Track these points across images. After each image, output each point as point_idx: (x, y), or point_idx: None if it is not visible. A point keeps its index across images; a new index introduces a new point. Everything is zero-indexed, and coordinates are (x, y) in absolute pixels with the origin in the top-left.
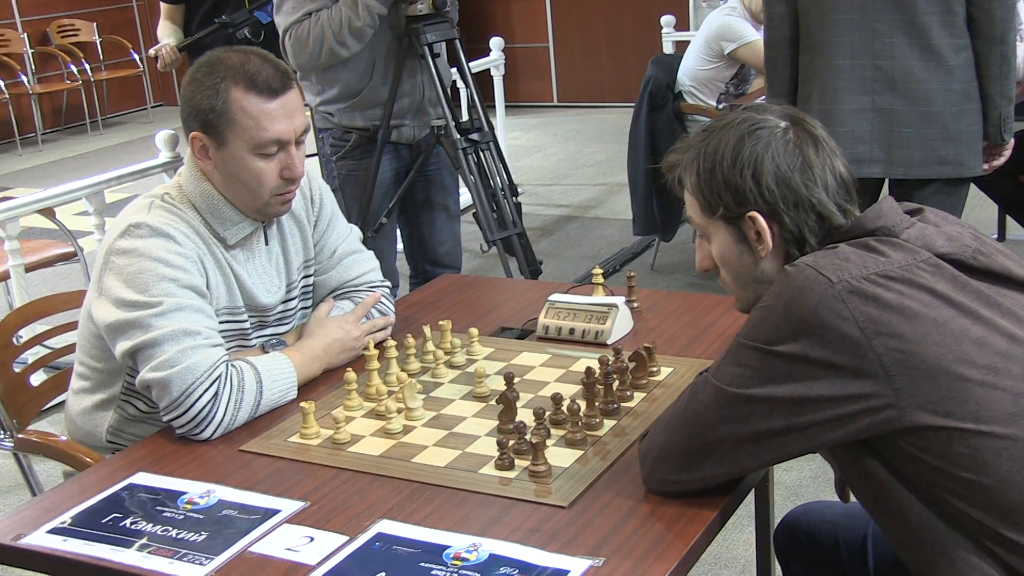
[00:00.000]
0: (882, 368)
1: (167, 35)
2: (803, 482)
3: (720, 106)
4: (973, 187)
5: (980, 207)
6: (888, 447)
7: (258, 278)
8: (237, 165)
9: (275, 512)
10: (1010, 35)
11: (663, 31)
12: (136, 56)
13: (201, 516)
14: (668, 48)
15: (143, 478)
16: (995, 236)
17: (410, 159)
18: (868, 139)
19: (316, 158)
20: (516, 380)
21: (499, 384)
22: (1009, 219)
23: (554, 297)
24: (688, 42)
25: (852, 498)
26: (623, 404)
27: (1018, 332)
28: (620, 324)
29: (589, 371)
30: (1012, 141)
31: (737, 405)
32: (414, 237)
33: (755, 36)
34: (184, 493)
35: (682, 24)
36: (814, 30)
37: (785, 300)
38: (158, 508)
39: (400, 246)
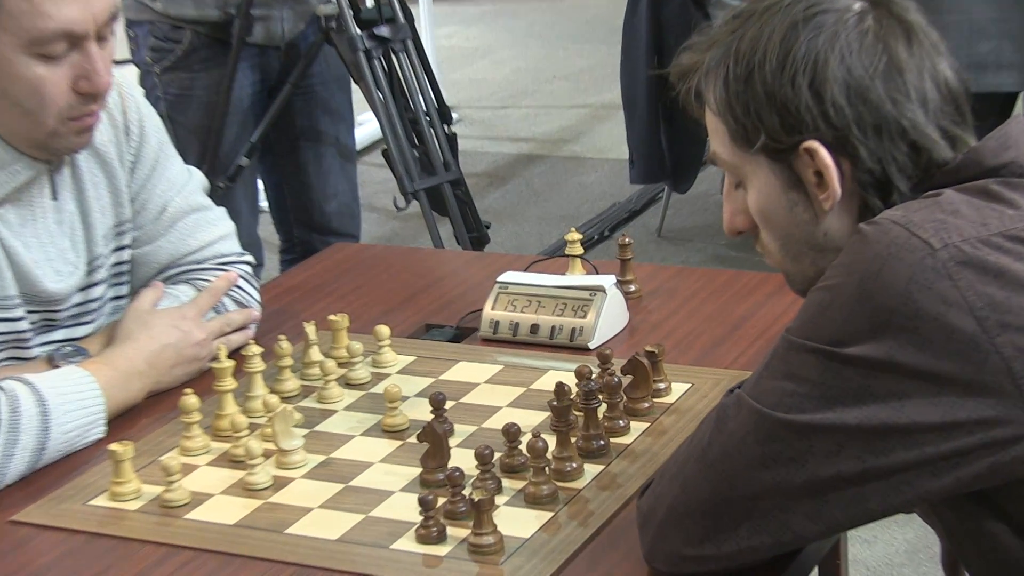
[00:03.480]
0: (1010, 379)
1: None
2: (893, 559)
3: None
4: None
5: None
6: (1020, 501)
7: (42, 252)
8: (5, 73)
9: None
10: None
11: None
12: None
13: None
14: None
15: None
16: None
17: (280, 69)
18: (995, 33)
19: (131, 66)
20: (449, 405)
21: (423, 412)
22: None
23: (508, 278)
24: None
25: None
26: (613, 440)
27: None
28: (609, 318)
29: (561, 390)
30: None
31: (787, 439)
32: (288, 189)
33: None
34: None
35: None
36: None
37: (860, 277)
38: None
39: (264, 203)
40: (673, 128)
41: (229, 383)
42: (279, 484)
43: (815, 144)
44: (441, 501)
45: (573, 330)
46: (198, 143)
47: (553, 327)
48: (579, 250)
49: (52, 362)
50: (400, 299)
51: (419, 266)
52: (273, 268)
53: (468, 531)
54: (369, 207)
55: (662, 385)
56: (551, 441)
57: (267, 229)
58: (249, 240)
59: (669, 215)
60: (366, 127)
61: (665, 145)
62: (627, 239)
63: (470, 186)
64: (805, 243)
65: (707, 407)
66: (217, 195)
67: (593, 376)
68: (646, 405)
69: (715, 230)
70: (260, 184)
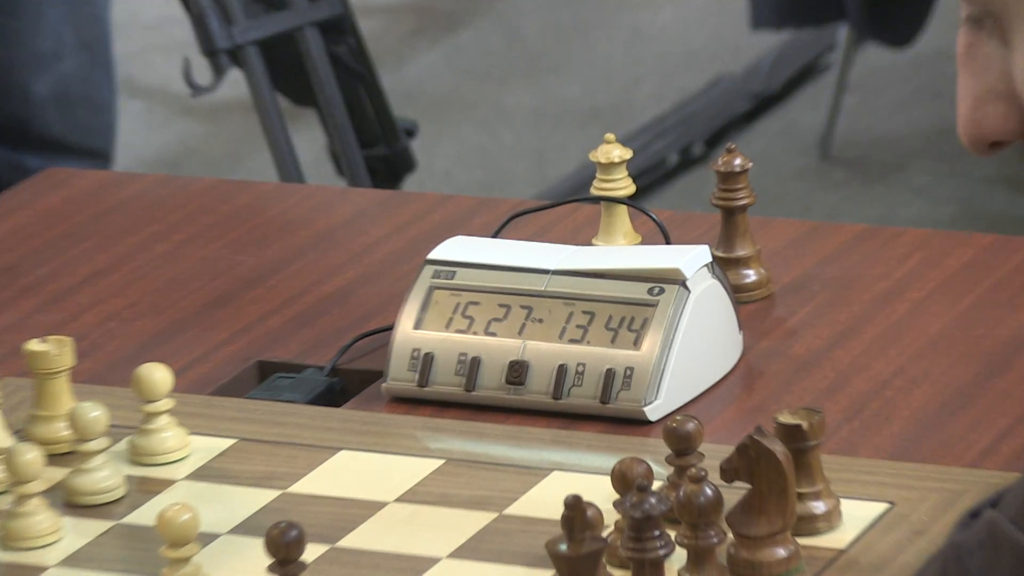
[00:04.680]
0: None
1: None
2: None
3: None
4: None
5: None
6: None
7: None
8: None
9: None
10: None
11: None
12: None
13: None
14: None
15: None
16: None
17: None
18: None
19: None
20: (315, 554)
21: (250, 570)
22: None
23: (454, 251)
24: None
25: None
26: None
27: None
28: (694, 347)
29: (579, 518)
30: None
31: None
32: None
33: None
34: None
35: None
36: None
37: None
38: None
39: None
40: None
41: None
42: None
43: None
44: None
45: (609, 375)
46: None
47: (562, 369)
48: (627, 186)
49: None
50: (202, 301)
51: (247, 222)
52: None
53: None
54: (134, 86)
55: (820, 506)
56: None
57: None
58: None
59: (849, 109)
60: None
61: None
62: (739, 160)
63: (371, 35)
64: None
65: (922, 554)
66: None
67: (655, 485)
68: (782, 553)
69: (953, 144)
70: None
